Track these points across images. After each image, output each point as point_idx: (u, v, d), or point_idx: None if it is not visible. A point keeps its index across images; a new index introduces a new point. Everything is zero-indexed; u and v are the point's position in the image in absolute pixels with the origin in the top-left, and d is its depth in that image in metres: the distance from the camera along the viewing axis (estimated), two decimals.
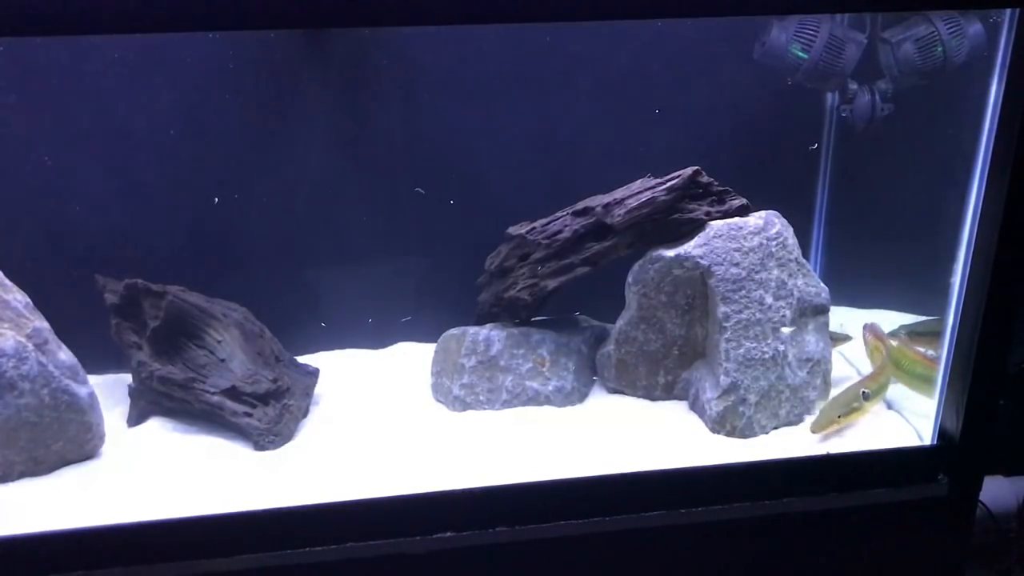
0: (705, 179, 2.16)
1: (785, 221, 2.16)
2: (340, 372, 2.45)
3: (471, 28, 2.32)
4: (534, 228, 2.27)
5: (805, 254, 2.20)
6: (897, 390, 2.24)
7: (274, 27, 2.12)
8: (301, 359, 2.38)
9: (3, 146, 2.24)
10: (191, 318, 2.19)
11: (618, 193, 2.19)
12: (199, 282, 2.28)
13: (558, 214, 2.28)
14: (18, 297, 2.00)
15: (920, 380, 2.17)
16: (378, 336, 2.62)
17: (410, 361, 2.52)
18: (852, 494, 1.97)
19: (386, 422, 2.19)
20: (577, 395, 2.28)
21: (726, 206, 2.16)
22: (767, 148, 2.53)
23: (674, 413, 2.21)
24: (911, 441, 2.07)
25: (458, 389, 2.25)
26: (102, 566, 1.75)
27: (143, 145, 2.32)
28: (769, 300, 2.07)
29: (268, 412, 2.11)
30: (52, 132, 2.26)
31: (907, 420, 2.15)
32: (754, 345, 2.06)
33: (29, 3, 1.45)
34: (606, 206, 2.17)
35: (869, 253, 2.60)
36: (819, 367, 2.18)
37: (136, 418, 2.19)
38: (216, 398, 2.10)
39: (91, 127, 2.28)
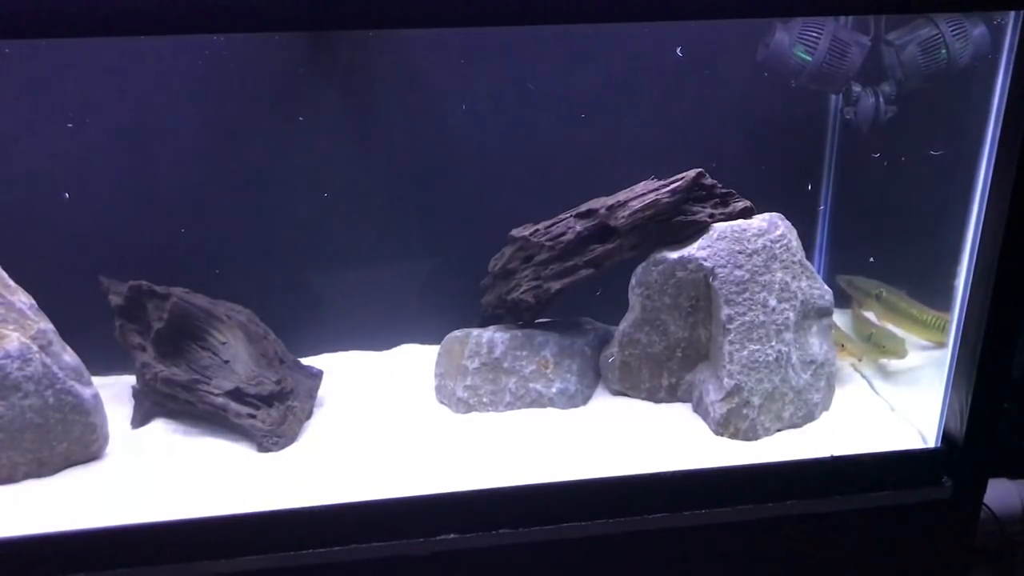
0: (709, 181, 2.16)
1: (789, 223, 2.16)
2: (344, 374, 2.45)
3: (476, 30, 2.32)
4: (537, 230, 2.27)
5: (809, 256, 2.19)
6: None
7: (276, 29, 2.12)
8: (305, 361, 2.38)
9: (4, 146, 2.25)
10: (195, 320, 2.19)
11: (621, 195, 2.19)
12: (203, 283, 2.29)
13: (561, 216, 2.27)
14: (23, 299, 2.00)
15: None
16: (381, 338, 2.62)
17: (413, 363, 2.52)
18: (856, 497, 1.97)
19: (389, 424, 2.19)
20: (580, 397, 2.28)
21: (730, 208, 2.16)
22: (771, 150, 2.53)
23: (678, 415, 2.21)
24: (915, 444, 2.06)
25: (461, 391, 2.25)
26: (106, 567, 1.75)
27: (148, 146, 2.32)
28: (773, 302, 2.07)
29: (272, 414, 2.11)
30: (55, 133, 2.26)
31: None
32: (758, 347, 2.06)
33: (31, 3, 1.46)
34: (610, 208, 2.17)
35: (872, 255, 2.59)
36: (823, 369, 2.18)
37: (140, 419, 2.20)
38: (220, 400, 2.10)
39: (96, 128, 2.28)
